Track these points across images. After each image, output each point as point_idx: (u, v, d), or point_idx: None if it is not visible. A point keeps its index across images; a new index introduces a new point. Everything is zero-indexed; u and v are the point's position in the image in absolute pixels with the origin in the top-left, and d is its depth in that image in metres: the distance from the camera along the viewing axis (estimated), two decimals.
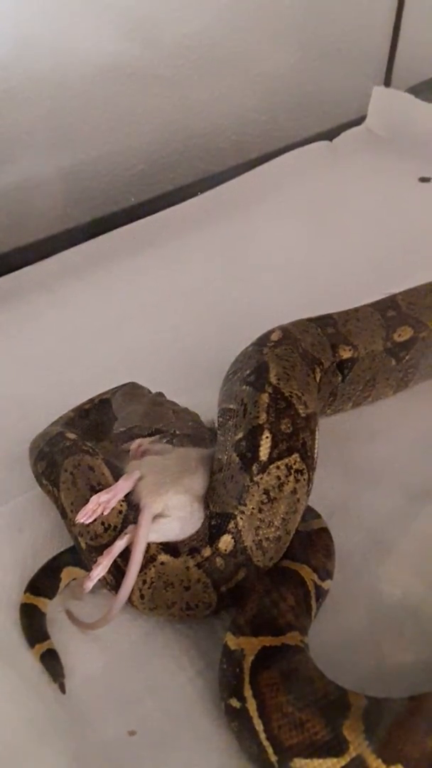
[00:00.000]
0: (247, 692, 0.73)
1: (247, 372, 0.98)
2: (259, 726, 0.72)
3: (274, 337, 1.05)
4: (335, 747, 0.68)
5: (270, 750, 0.71)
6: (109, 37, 1.54)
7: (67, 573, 0.90)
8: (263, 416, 0.91)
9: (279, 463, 0.87)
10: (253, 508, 0.85)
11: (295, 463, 0.88)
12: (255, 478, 0.86)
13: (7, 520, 0.98)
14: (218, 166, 1.78)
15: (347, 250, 1.50)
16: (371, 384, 1.12)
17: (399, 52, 2.03)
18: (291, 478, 0.87)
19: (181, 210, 1.63)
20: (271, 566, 0.86)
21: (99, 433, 1.02)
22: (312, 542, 0.90)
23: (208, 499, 0.87)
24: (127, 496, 0.86)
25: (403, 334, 1.10)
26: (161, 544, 0.84)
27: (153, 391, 1.07)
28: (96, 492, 0.86)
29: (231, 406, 0.96)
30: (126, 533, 0.83)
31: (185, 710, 0.80)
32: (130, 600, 0.84)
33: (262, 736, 0.71)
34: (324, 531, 0.92)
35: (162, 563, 0.83)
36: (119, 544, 0.83)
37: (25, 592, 0.89)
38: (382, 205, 1.64)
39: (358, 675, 0.80)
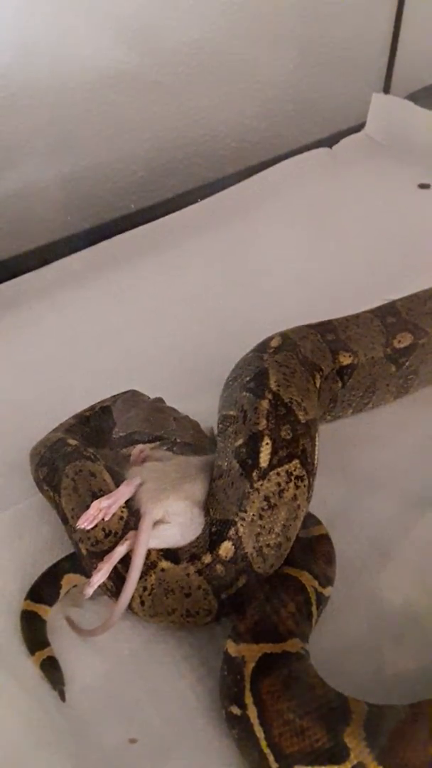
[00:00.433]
0: (248, 699, 0.73)
1: (247, 378, 0.98)
2: (260, 733, 0.72)
3: (274, 343, 1.05)
4: (336, 754, 0.68)
5: (271, 757, 0.71)
6: (109, 45, 1.54)
7: (68, 580, 0.90)
8: (263, 423, 0.91)
9: (279, 469, 0.87)
10: (253, 515, 0.85)
11: (295, 470, 0.88)
12: (255, 485, 0.86)
13: (7, 527, 0.98)
14: (218, 173, 1.78)
15: (347, 257, 1.50)
16: (371, 390, 1.12)
17: (398, 59, 2.03)
18: (291, 484, 0.87)
19: (181, 216, 1.64)
20: (271, 573, 0.86)
21: (99, 440, 1.02)
22: (312, 549, 0.90)
23: (209, 505, 0.87)
24: (127, 502, 0.86)
25: (403, 340, 1.11)
26: (162, 550, 0.84)
27: (152, 397, 1.07)
28: (97, 498, 0.86)
29: (231, 413, 0.96)
30: (126, 539, 0.83)
31: (186, 717, 0.80)
32: (130, 607, 0.84)
33: (263, 743, 0.71)
34: (325, 537, 0.92)
35: (162, 570, 0.83)
36: (120, 550, 0.82)
37: (26, 599, 0.88)
38: (381, 212, 1.65)
39: (359, 682, 0.80)
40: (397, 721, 0.70)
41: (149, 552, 0.83)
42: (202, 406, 1.06)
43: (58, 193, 1.60)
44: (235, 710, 0.75)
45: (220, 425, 0.99)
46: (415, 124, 1.87)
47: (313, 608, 0.84)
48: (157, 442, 0.97)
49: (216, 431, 1.01)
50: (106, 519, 0.85)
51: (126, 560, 0.82)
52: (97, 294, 1.43)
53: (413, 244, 1.52)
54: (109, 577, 0.84)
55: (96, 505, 0.85)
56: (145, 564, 0.82)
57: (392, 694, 0.80)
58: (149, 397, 1.07)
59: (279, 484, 0.86)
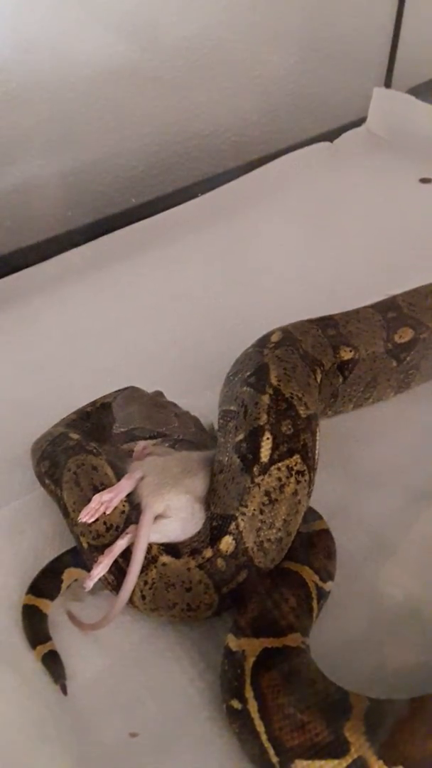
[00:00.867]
0: (249, 693, 0.73)
1: (248, 373, 0.98)
2: (260, 727, 0.72)
3: (275, 338, 1.05)
4: (337, 748, 0.68)
5: (271, 751, 0.71)
6: (109, 40, 1.54)
7: (69, 574, 0.90)
8: (264, 417, 0.91)
9: (280, 464, 0.87)
10: (254, 510, 0.85)
11: (296, 465, 0.88)
12: (256, 480, 0.86)
13: (8, 522, 0.98)
14: (218, 168, 1.78)
15: (348, 252, 1.50)
16: (372, 385, 1.12)
17: (399, 54, 2.03)
18: (292, 479, 0.87)
19: (181, 212, 1.63)
20: (272, 567, 0.86)
21: (100, 435, 1.02)
22: (313, 543, 0.90)
23: (210, 500, 0.87)
24: (128, 496, 0.86)
25: (404, 335, 1.10)
26: (162, 545, 0.84)
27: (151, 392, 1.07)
28: (99, 492, 0.86)
29: (231, 408, 0.96)
30: (127, 533, 0.83)
31: (186, 712, 0.80)
32: (131, 601, 0.84)
33: (264, 737, 0.71)
34: (325, 532, 0.92)
35: (163, 564, 0.83)
36: (120, 544, 0.83)
37: (27, 593, 0.88)
38: (382, 207, 1.64)
39: (360, 676, 0.80)
40: (397, 715, 0.70)
41: (150, 546, 0.83)
42: (203, 402, 1.06)
43: (59, 188, 1.60)
44: (236, 704, 0.75)
45: (221, 420, 0.99)
46: (416, 118, 1.86)
47: (314, 603, 0.84)
48: (159, 439, 0.97)
49: (216, 427, 1.01)
50: (108, 513, 0.85)
51: (127, 554, 0.82)
52: (98, 289, 1.43)
53: (414, 238, 1.52)
54: (110, 571, 0.84)
55: (97, 498, 0.85)
56: (145, 558, 0.82)
57: (393, 688, 0.80)
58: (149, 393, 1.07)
59: (280, 479, 0.86)
